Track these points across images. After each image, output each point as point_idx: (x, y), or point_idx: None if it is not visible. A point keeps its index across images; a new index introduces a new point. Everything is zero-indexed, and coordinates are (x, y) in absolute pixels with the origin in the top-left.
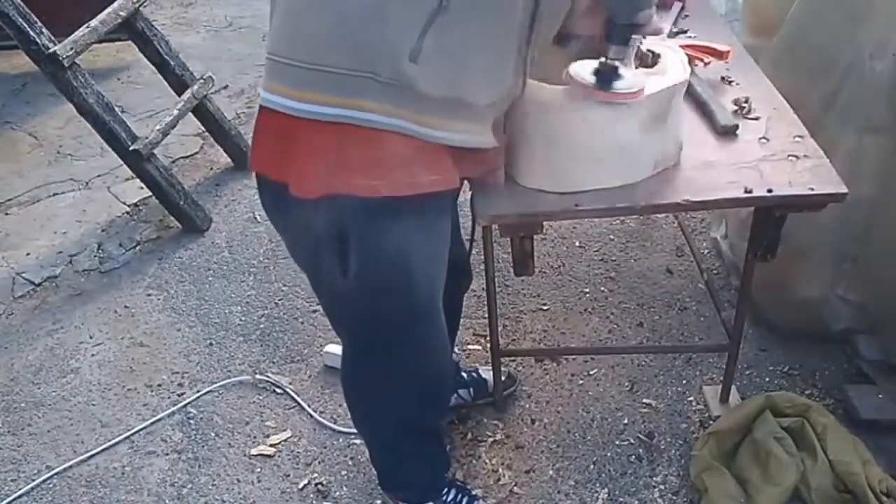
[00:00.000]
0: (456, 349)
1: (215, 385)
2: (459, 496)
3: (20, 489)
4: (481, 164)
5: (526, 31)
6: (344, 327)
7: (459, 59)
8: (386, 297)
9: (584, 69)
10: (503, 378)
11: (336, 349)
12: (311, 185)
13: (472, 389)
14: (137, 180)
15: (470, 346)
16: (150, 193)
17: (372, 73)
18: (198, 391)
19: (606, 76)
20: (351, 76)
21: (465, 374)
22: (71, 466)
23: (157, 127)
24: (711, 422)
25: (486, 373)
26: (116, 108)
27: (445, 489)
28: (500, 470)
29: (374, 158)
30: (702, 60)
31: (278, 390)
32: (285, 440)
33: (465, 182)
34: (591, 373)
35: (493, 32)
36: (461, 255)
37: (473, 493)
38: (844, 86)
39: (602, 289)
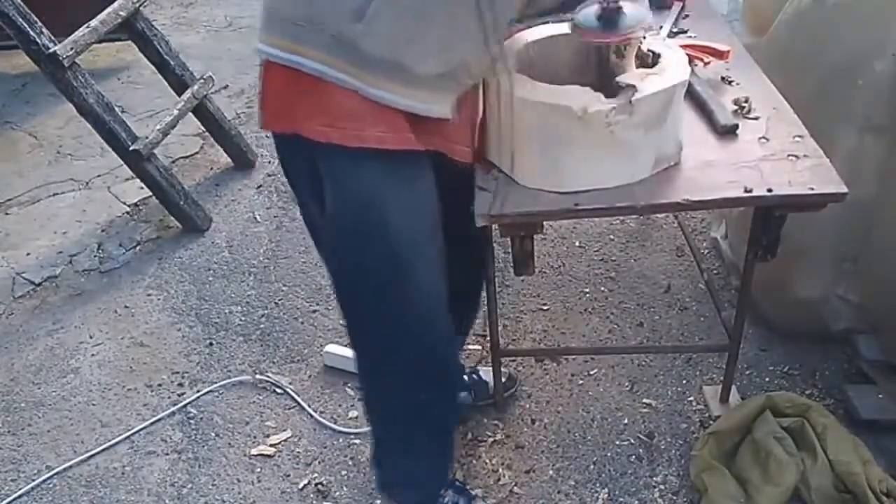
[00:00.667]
0: None
1: (215, 385)
2: (458, 498)
3: (20, 489)
4: (443, 136)
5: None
6: (332, 274)
7: (406, 24)
8: (361, 240)
9: (587, 18)
10: (503, 379)
11: (336, 349)
12: (271, 122)
13: (472, 391)
14: (137, 180)
15: (470, 346)
16: (150, 193)
17: (320, 26)
18: (198, 391)
19: (611, 18)
20: (302, 26)
21: (465, 376)
22: (71, 466)
23: (157, 127)
24: (711, 422)
25: (487, 374)
26: (116, 108)
27: (444, 490)
28: (500, 470)
29: (322, 105)
30: (702, 60)
31: (278, 390)
32: (285, 440)
33: None
34: (591, 373)
35: (445, 2)
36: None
37: (473, 493)
38: (831, 86)
39: (602, 289)
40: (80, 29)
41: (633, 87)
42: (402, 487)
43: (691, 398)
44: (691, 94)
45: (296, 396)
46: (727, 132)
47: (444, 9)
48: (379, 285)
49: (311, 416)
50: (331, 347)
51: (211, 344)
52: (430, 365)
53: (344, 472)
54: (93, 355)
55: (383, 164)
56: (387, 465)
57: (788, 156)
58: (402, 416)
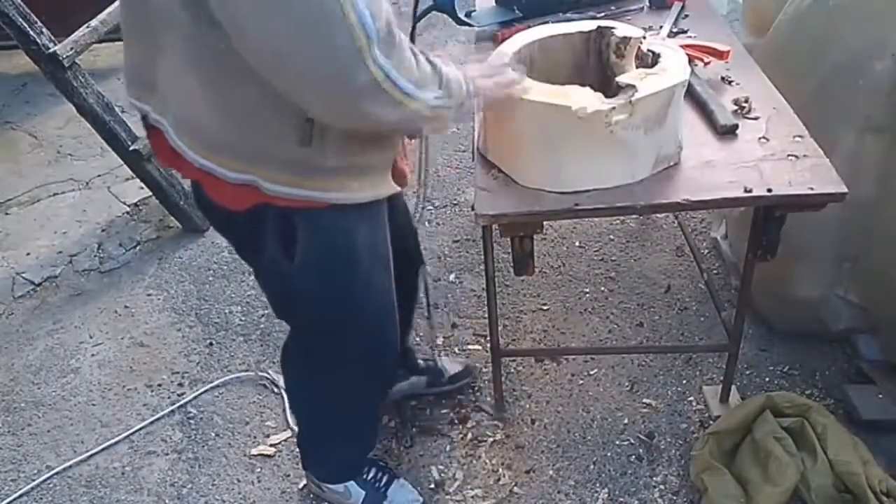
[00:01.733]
0: (456, 349)
1: (215, 383)
2: (380, 475)
3: (20, 489)
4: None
5: None
6: (295, 312)
7: (352, 136)
8: (335, 272)
9: None
10: (460, 368)
11: None
12: (234, 204)
13: (426, 378)
14: (137, 180)
15: (470, 346)
16: (150, 193)
17: (269, 155)
18: (198, 391)
19: None
20: (252, 153)
21: (420, 362)
22: (71, 466)
23: None
24: (711, 422)
25: (444, 362)
26: (116, 108)
27: (367, 467)
28: (500, 470)
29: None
30: (702, 60)
31: (277, 390)
32: (285, 440)
33: None
34: (591, 373)
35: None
36: (412, 240)
37: (395, 471)
38: (831, 86)
39: (602, 289)
40: (80, 29)
41: (633, 87)
42: (327, 468)
43: (691, 398)
44: (691, 94)
45: None
46: (727, 132)
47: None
48: (344, 301)
49: None
50: None
51: (211, 344)
52: (373, 363)
53: None
54: (93, 355)
55: (358, 208)
56: (312, 447)
57: (788, 156)
58: (335, 407)
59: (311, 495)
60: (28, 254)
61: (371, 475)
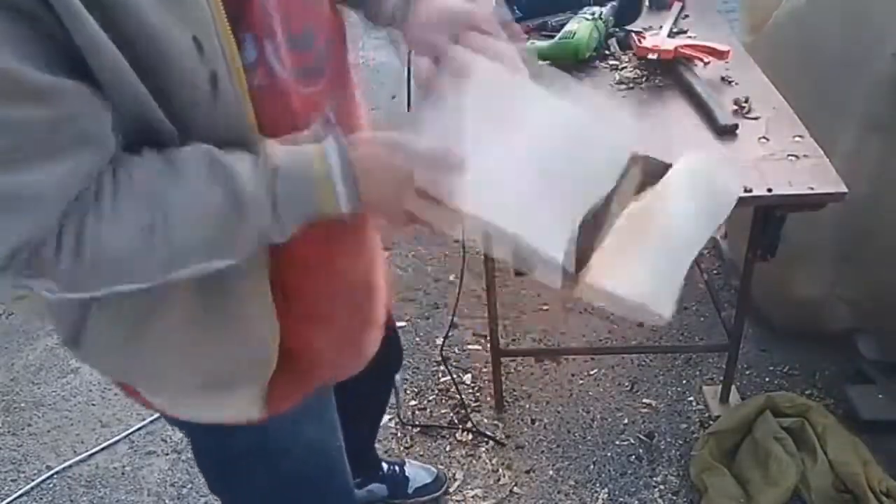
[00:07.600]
0: (456, 349)
1: None
2: None
3: (20, 489)
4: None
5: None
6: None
7: (125, 348)
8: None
9: None
10: (428, 480)
11: None
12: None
13: (388, 485)
14: None
15: (470, 346)
16: None
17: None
18: None
19: None
20: None
21: (385, 466)
22: (71, 466)
23: None
24: (711, 422)
25: (412, 469)
26: None
27: None
28: (500, 470)
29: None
30: (702, 60)
31: None
32: None
33: None
34: (591, 373)
35: (158, 319)
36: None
37: (472, 493)
38: (829, 84)
39: None
40: None
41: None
42: None
43: (691, 398)
44: (691, 94)
45: None
46: (727, 132)
47: (161, 330)
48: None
49: None
50: None
51: None
52: None
53: None
54: None
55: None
56: None
57: (788, 156)
58: None
59: None
60: None
61: None
